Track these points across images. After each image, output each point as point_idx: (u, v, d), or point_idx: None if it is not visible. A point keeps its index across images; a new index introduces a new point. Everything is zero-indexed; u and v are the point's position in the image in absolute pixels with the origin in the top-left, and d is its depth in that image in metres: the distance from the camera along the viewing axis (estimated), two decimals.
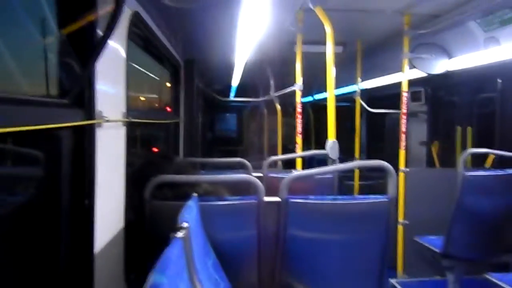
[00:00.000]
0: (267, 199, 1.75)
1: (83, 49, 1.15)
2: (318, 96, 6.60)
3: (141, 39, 2.21)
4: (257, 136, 8.49)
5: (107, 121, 1.30)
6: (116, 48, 1.46)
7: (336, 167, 2.20)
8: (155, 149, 3.72)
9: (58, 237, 1.18)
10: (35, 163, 1.12)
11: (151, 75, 3.45)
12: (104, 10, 1.20)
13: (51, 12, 1.18)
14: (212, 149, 8.24)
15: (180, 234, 1.07)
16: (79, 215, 1.21)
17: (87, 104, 1.18)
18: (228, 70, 5.06)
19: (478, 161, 3.48)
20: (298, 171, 3.12)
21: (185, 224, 1.15)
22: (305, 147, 3.38)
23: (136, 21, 1.80)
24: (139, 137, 2.78)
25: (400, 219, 3.18)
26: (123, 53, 1.55)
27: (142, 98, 3.50)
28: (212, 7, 2.25)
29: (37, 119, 0.94)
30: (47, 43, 1.18)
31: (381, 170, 1.80)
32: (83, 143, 1.18)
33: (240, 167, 2.84)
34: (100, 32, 1.20)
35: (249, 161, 2.79)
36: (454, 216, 2.57)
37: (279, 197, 1.74)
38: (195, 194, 1.70)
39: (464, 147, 3.86)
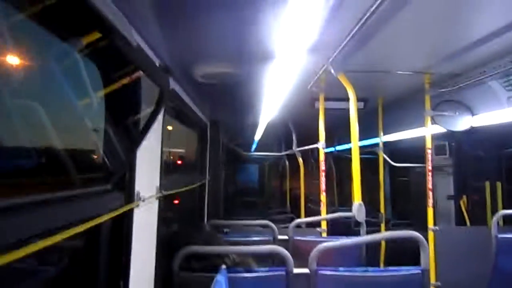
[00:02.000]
0: (296, 271, 1.73)
1: (128, 137, 1.22)
2: (340, 147, 6.60)
3: (173, 109, 2.32)
4: (278, 188, 8.45)
5: (143, 200, 1.35)
6: (154, 128, 1.54)
7: (366, 239, 2.17)
8: (182, 210, 3.73)
9: None
10: (78, 248, 1.15)
11: (179, 137, 3.56)
12: (146, 91, 1.29)
13: (96, 99, 1.27)
14: (234, 200, 8.21)
15: None
16: None
17: (128, 187, 1.23)
18: (252, 127, 5.17)
19: (510, 218, 3.35)
20: (323, 231, 3.09)
21: None
22: (328, 198, 3.34)
23: (172, 98, 1.91)
24: (167, 202, 2.83)
25: (432, 281, 3.04)
26: (160, 131, 1.63)
27: (172, 161, 3.58)
28: (238, 82, 2.37)
29: (81, 211, 0.99)
30: (95, 131, 1.26)
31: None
32: (122, 225, 1.22)
33: (266, 227, 2.83)
34: (144, 117, 1.28)
35: (271, 214, 2.77)
36: (491, 279, 2.45)
37: (309, 269, 1.72)
38: (223, 267, 1.70)
39: (494, 202, 3.74)
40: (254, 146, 7.27)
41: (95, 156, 1.27)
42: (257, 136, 6.06)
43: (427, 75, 3.00)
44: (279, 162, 8.15)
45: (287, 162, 7.34)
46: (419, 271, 1.69)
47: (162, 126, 1.66)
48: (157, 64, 1.24)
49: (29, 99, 1.09)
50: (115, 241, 1.22)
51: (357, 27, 1.74)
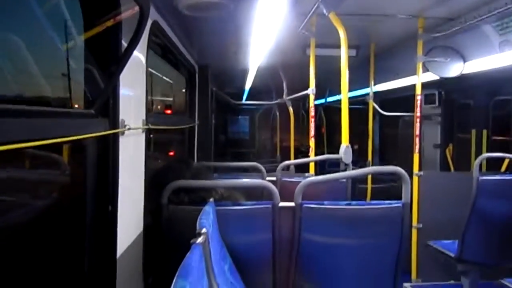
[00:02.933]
0: (282, 204, 1.77)
1: (108, 61, 1.20)
2: (331, 98, 6.59)
3: (159, 46, 2.26)
4: (269, 139, 8.51)
5: (129, 129, 1.35)
6: (137, 57, 1.51)
7: (350, 173, 2.21)
8: (171, 152, 3.78)
9: (83, 241, 1.23)
10: (64, 170, 1.17)
11: (167, 80, 3.50)
12: (127, 20, 1.25)
13: (76, 24, 1.23)
14: (224, 151, 8.29)
15: (199, 240, 1.10)
16: (103, 220, 1.26)
17: (112, 114, 1.23)
18: (242, 74, 5.10)
19: (493, 165, 3.44)
20: (311, 175, 3.14)
21: (203, 230, 1.18)
22: (318, 149, 3.39)
23: (155, 30, 1.85)
24: (155, 141, 2.85)
25: (414, 223, 3.17)
26: (143, 62, 1.60)
27: (159, 103, 3.57)
28: (227, 15, 2.29)
29: (66, 129, 0.99)
30: (73, 55, 1.24)
31: (395, 174, 1.81)
32: (108, 151, 1.23)
33: (254, 171, 2.88)
34: (124, 43, 1.25)
35: (261, 163, 2.82)
36: (468, 220, 2.55)
37: (294, 202, 1.77)
38: (211, 199, 1.74)
39: (479, 151, 3.83)
40: (244, 96, 7.23)
41: (78, 86, 1.25)
42: (248, 85, 6.00)
43: (421, 19, 2.95)
44: (269, 112, 8.15)
45: (277, 113, 7.34)
46: (400, 205, 1.75)
47: (146, 57, 1.62)
48: None
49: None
50: (102, 166, 1.23)
51: None
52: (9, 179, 1.07)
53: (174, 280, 0.83)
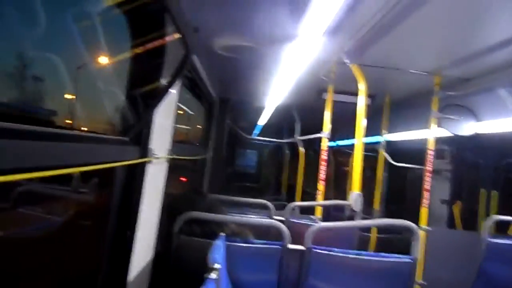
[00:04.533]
0: (291, 246, 1.78)
1: (149, 94, 1.26)
2: (341, 142, 6.64)
3: (186, 78, 2.35)
4: (275, 175, 8.51)
5: (157, 158, 1.39)
6: (171, 93, 1.58)
7: (363, 223, 2.23)
8: (184, 180, 3.79)
9: (100, 262, 1.25)
10: (92, 192, 1.20)
11: (188, 110, 3.60)
12: (168, 55, 1.32)
13: (120, 55, 1.31)
14: (229, 184, 8.28)
15: (213, 275, 1.12)
16: (121, 244, 1.28)
17: (144, 143, 1.28)
18: (257, 110, 5.20)
19: (502, 227, 3.42)
20: (318, 218, 3.14)
21: (216, 265, 1.19)
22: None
23: (189, 65, 1.94)
24: (172, 170, 2.88)
25: (418, 279, 3.12)
26: (175, 96, 1.67)
27: (179, 132, 3.63)
28: (255, 57, 2.40)
29: (102, 155, 1.03)
30: (112, 81, 1.30)
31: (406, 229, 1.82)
32: (135, 177, 1.27)
33: (262, 208, 2.89)
34: (163, 78, 1.32)
35: (266, 200, 2.83)
36: (475, 282, 2.51)
37: (304, 246, 1.77)
38: (222, 234, 1.75)
39: (487, 210, 3.80)
40: (256, 131, 7.31)
41: (117, 112, 1.31)
42: (261, 121, 6.09)
43: (437, 77, 3.03)
44: (278, 149, 8.20)
45: (287, 151, 7.38)
46: (410, 260, 1.75)
47: (179, 91, 1.70)
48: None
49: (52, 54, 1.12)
50: (127, 192, 1.27)
51: (375, 19, 1.77)
52: (34, 194, 1.11)
53: None
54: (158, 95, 1.22)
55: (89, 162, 0.96)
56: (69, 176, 1.11)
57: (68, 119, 1.16)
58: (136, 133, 1.23)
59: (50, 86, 1.15)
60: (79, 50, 1.24)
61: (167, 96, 1.52)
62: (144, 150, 1.29)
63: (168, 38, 1.27)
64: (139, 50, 1.28)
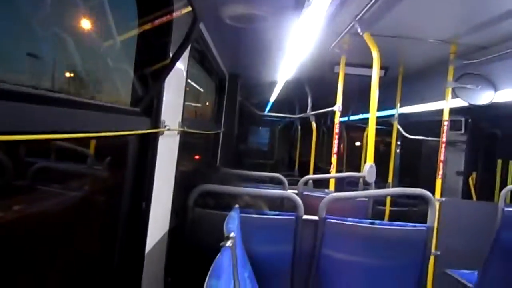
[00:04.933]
0: (305, 217, 1.79)
1: (158, 65, 1.25)
2: (354, 117, 6.58)
3: (196, 51, 2.33)
4: (288, 152, 8.51)
5: (168, 129, 1.40)
6: (180, 63, 1.57)
7: (376, 192, 2.22)
8: (196, 156, 3.83)
9: (116, 234, 1.28)
10: (105, 164, 1.22)
11: (199, 86, 3.58)
12: (175, 22, 1.31)
13: (128, 23, 1.30)
14: (242, 160, 8.33)
15: (229, 243, 1.13)
16: (136, 216, 1.30)
17: (155, 114, 1.28)
18: (268, 86, 5.16)
19: None
20: (332, 192, 3.15)
21: (232, 234, 1.21)
22: (337, 167, 3.40)
23: (198, 36, 1.92)
24: (186, 144, 2.91)
25: (432, 249, 3.12)
26: (184, 67, 1.66)
27: (191, 107, 3.64)
28: (265, 28, 2.35)
29: (113, 124, 1.04)
30: (123, 56, 1.30)
31: (416, 197, 1.81)
32: (148, 149, 1.28)
33: (275, 182, 2.90)
34: (172, 48, 1.31)
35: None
36: (491, 251, 2.50)
37: (317, 216, 1.78)
38: (236, 206, 1.77)
39: (504, 181, 3.75)
40: (268, 107, 7.28)
41: (128, 85, 1.31)
42: (273, 97, 6.05)
43: (453, 45, 2.95)
44: (291, 126, 8.17)
45: (299, 127, 7.35)
46: (425, 228, 1.75)
47: (188, 63, 1.69)
48: None
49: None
50: (141, 163, 1.28)
51: None
52: (50, 169, 1.13)
53: (207, 280, 0.85)
54: (167, 66, 1.22)
55: (102, 130, 0.96)
56: (83, 150, 1.12)
57: (79, 92, 1.16)
58: (147, 104, 1.23)
59: (62, 63, 1.14)
60: (87, 24, 1.24)
61: (176, 69, 1.52)
62: (155, 121, 1.29)
63: (176, 7, 1.26)
64: (147, 21, 1.27)
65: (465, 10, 2.14)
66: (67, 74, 1.17)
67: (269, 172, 2.95)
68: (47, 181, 1.06)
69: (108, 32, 1.29)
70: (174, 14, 1.28)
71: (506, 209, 2.47)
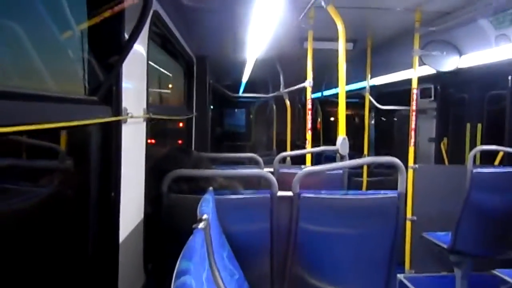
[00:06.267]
0: (280, 193, 1.80)
1: (111, 50, 1.21)
2: (327, 92, 6.62)
3: (158, 37, 2.27)
4: (265, 132, 8.54)
5: (132, 117, 1.36)
6: (138, 47, 1.52)
7: (348, 163, 2.25)
8: (170, 142, 3.80)
9: (87, 228, 1.25)
10: (67, 157, 1.18)
11: (165, 71, 3.51)
12: (128, 9, 1.26)
13: (78, 13, 1.24)
14: (220, 144, 8.31)
15: (201, 225, 1.12)
16: (106, 207, 1.28)
17: (115, 101, 1.24)
18: (239, 66, 5.11)
19: (487, 158, 3.49)
20: (308, 167, 3.18)
21: (205, 216, 1.20)
22: (313, 142, 3.43)
23: (156, 21, 1.86)
24: (156, 131, 2.86)
25: (408, 215, 3.22)
26: (144, 51, 1.61)
27: (159, 94, 3.58)
28: (226, 7, 2.30)
29: (70, 115, 1.00)
30: (76, 44, 1.24)
31: (390, 166, 1.85)
32: (111, 138, 1.25)
33: (252, 163, 2.90)
34: (126, 33, 1.26)
35: (258, 156, 2.85)
36: (462, 212, 2.60)
37: (292, 192, 1.80)
38: (210, 188, 1.76)
39: (473, 144, 3.87)
40: (241, 89, 7.23)
41: (81, 73, 1.26)
42: (245, 78, 6.01)
43: (418, 12, 2.97)
44: (266, 106, 8.17)
45: (274, 106, 7.36)
46: (396, 195, 1.79)
47: (147, 47, 1.64)
48: None
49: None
50: (105, 153, 1.25)
51: None
52: (11, 166, 1.09)
53: (178, 261, 0.85)
54: (122, 51, 1.17)
55: (57, 121, 0.93)
56: (42, 144, 1.08)
57: (33, 83, 1.11)
58: (105, 92, 1.19)
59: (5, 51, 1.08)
60: (34, 11, 1.18)
61: (135, 54, 1.47)
62: (116, 109, 1.26)
63: None
64: (98, 7, 1.22)
65: None
66: (16, 67, 1.11)
67: (248, 153, 2.94)
68: (5, 178, 1.02)
69: (59, 21, 1.23)
70: (125, 2, 1.23)
71: (474, 170, 2.56)
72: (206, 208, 1.34)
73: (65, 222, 1.23)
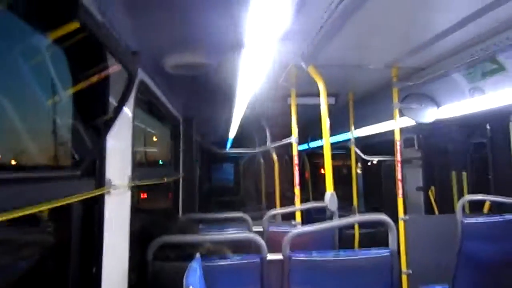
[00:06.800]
0: (270, 256, 1.76)
1: (95, 119, 1.22)
2: (313, 144, 6.70)
3: (144, 103, 2.30)
4: (254, 186, 8.48)
5: (115, 188, 1.34)
6: (124, 116, 1.54)
7: (337, 223, 2.22)
8: (155, 205, 3.72)
9: None
10: (48, 232, 1.14)
11: (152, 132, 3.53)
12: (114, 77, 1.29)
13: (63, 83, 1.26)
14: (209, 199, 8.18)
15: None
16: (86, 283, 1.22)
17: (98, 174, 1.23)
18: (225, 124, 5.18)
19: (477, 205, 3.50)
20: (298, 223, 3.13)
21: None
22: (303, 194, 3.41)
23: (142, 89, 1.90)
24: (141, 195, 2.81)
25: (404, 268, 3.14)
26: (130, 120, 1.63)
27: (144, 156, 3.58)
28: (212, 72, 2.38)
29: (53, 193, 0.98)
30: (60, 114, 1.25)
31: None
32: (93, 211, 1.22)
33: (240, 221, 2.85)
34: (112, 101, 1.28)
35: (247, 211, 2.80)
36: (457, 263, 2.55)
37: (282, 255, 1.75)
38: (197, 255, 1.71)
39: (460, 192, 3.90)
40: (228, 144, 7.28)
41: (64, 144, 1.25)
42: (231, 134, 6.08)
43: (395, 69, 3.10)
44: (254, 159, 8.18)
45: (262, 160, 7.38)
46: (388, 253, 1.75)
47: (133, 115, 1.65)
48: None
49: None
50: (87, 227, 1.21)
51: (323, 20, 1.79)
52: None
53: None
54: (108, 123, 1.18)
55: (37, 201, 0.90)
56: (20, 220, 1.05)
57: (12, 160, 1.10)
58: (89, 164, 1.18)
59: None
60: (20, 86, 1.19)
61: (121, 122, 1.48)
62: (99, 181, 1.24)
63: (110, 65, 1.24)
64: (83, 81, 1.24)
65: (399, 36, 2.27)
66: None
67: (237, 208, 2.90)
68: None
69: (44, 94, 1.25)
70: (111, 70, 1.26)
71: (464, 220, 2.55)
72: (193, 278, 1.30)
73: None
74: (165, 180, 2.66)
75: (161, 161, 4.07)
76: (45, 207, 0.91)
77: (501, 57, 2.47)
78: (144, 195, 3.23)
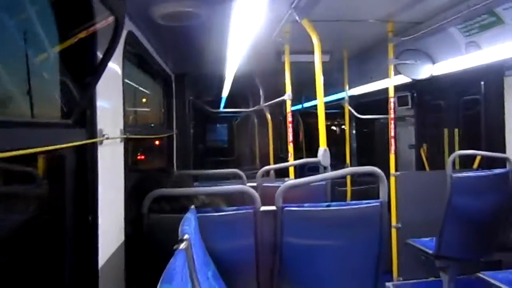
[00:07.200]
0: (263, 208, 1.79)
1: (84, 72, 1.20)
2: (307, 104, 6.68)
3: (134, 56, 2.26)
4: (249, 146, 8.52)
5: (107, 138, 1.34)
6: (113, 67, 1.51)
7: (329, 175, 2.25)
8: (151, 162, 3.75)
9: (64, 253, 1.21)
10: (42, 182, 1.15)
11: (144, 90, 3.49)
12: (102, 30, 1.25)
13: (50, 36, 1.22)
14: (203, 160, 8.24)
15: (182, 246, 1.10)
16: (84, 231, 1.24)
17: (89, 124, 1.22)
18: (218, 82, 5.12)
19: (467, 162, 3.56)
20: (292, 180, 3.17)
21: (186, 236, 1.18)
22: (296, 154, 3.43)
23: (131, 41, 1.85)
24: (135, 151, 2.82)
25: (393, 222, 3.24)
26: (119, 72, 1.60)
27: (137, 113, 3.56)
28: (201, 24, 2.31)
29: (43, 140, 0.98)
30: (49, 67, 1.22)
31: (372, 175, 1.86)
32: (86, 161, 1.22)
33: (235, 178, 2.89)
34: (99, 54, 1.25)
35: (242, 171, 2.83)
36: (445, 217, 2.63)
37: (275, 206, 1.79)
38: (192, 207, 1.74)
39: (452, 149, 3.95)
40: (222, 104, 7.24)
41: (54, 98, 1.23)
42: (225, 93, 6.03)
43: (390, 23, 3.04)
44: (248, 120, 8.18)
45: (255, 120, 7.37)
46: (378, 204, 1.80)
47: (122, 68, 1.62)
48: None
49: None
50: (80, 176, 1.22)
51: None
52: None
53: (158, 285, 0.83)
54: (96, 73, 1.16)
55: (30, 146, 0.90)
56: (17, 169, 1.05)
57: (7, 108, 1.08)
58: (79, 114, 1.17)
59: None
60: (6, 36, 1.15)
61: (110, 74, 1.46)
62: (91, 131, 1.24)
63: (98, 13, 1.20)
64: (69, 30, 1.20)
65: None
66: None
67: (232, 168, 2.92)
68: None
69: (32, 45, 1.21)
70: (98, 19, 1.22)
71: (453, 175, 2.60)
72: (188, 227, 1.32)
73: (41, 249, 1.19)
74: (159, 136, 2.66)
75: (156, 121, 4.06)
76: (36, 150, 0.91)
77: (500, 9, 2.42)
78: (141, 157, 3.26)
